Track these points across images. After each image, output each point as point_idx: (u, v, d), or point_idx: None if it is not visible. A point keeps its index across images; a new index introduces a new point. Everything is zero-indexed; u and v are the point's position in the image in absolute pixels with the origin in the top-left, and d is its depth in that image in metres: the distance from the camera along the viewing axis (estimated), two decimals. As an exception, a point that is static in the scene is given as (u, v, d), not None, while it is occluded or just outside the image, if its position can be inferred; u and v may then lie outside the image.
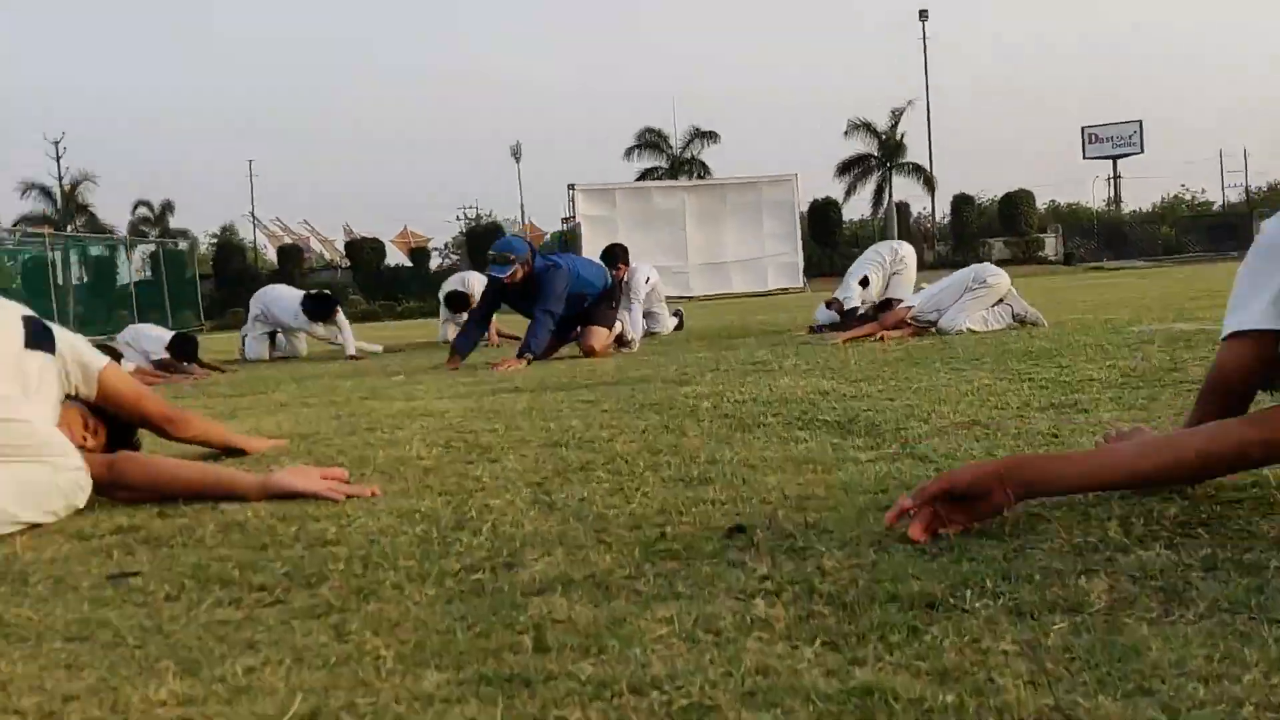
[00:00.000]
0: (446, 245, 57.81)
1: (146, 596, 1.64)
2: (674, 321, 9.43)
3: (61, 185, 48.89)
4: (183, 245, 41.98)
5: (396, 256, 48.81)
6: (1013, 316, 6.19)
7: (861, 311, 7.39)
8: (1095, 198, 58.84)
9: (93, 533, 2.12)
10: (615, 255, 8.97)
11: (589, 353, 6.60)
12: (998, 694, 1.06)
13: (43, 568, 1.86)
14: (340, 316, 9.34)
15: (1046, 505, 1.80)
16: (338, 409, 3.98)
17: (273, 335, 9.58)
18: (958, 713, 1.03)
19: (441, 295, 10.62)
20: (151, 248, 39.59)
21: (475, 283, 10.03)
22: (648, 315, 9.22)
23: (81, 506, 2.30)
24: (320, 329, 9.18)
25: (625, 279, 9.36)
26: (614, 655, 1.24)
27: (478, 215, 65.40)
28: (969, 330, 6.06)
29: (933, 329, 6.22)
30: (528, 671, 1.20)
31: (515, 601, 1.48)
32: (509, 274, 6.66)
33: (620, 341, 6.93)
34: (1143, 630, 1.21)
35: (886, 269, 7.90)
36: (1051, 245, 45.44)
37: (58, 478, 2.23)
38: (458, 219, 65.71)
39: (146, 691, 1.21)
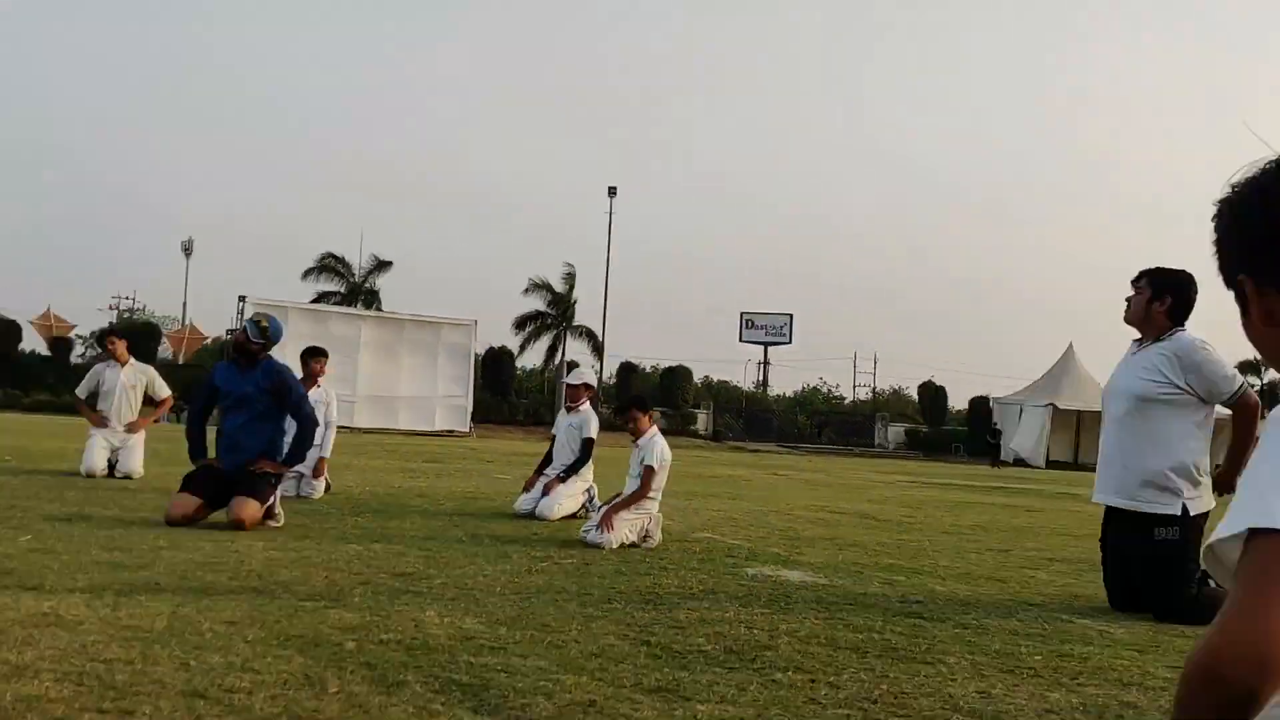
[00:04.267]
0: (92, 334, 53.88)
1: None
2: (323, 485, 9.41)
3: None
4: None
5: (34, 341, 44.90)
6: (641, 532, 6.75)
7: None
8: (746, 379, 63.54)
9: None
10: (315, 351, 9.33)
11: (237, 524, 6.52)
12: None
13: None
14: None
15: None
16: None
17: None
18: None
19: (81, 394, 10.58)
20: None
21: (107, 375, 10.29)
22: (300, 479, 9.14)
23: None
24: None
25: (327, 401, 9.48)
26: None
27: (132, 309, 61.48)
28: (611, 545, 6.54)
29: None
30: None
31: None
32: (259, 346, 7.10)
33: (268, 514, 6.89)
34: None
35: None
36: (703, 421, 48.49)
37: None
38: (110, 308, 61.53)
39: None
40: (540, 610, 4.34)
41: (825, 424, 53.00)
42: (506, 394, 45.98)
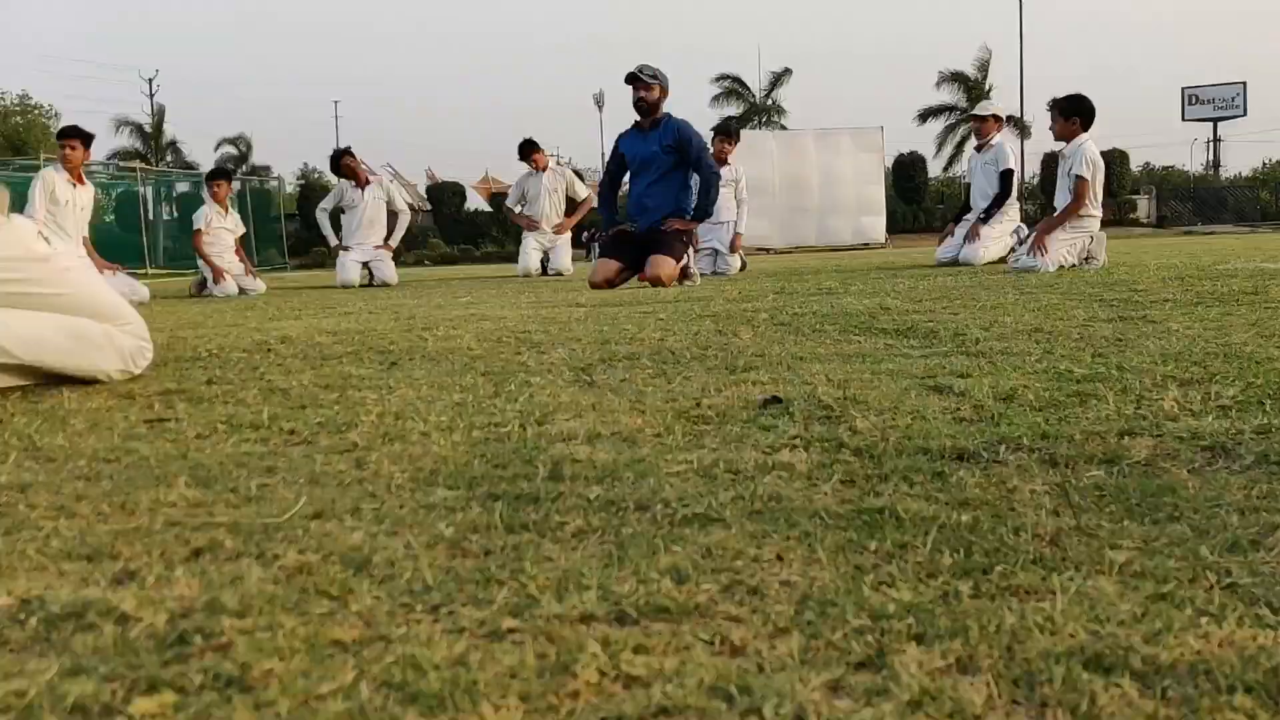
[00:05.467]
0: (527, 191, 58.08)
1: (178, 434, 1.66)
2: (739, 263, 9.31)
3: (155, 122, 49.97)
4: (270, 184, 42.52)
5: (476, 201, 49.11)
6: (1083, 253, 6.06)
7: None
8: (1193, 161, 56.77)
9: (139, 392, 2.15)
10: (729, 130, 9.16)
11: (654, 282, 6.57)
12: (1016, 517, 1.01)
13: (84, 414, 1.90)
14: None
15: (1100, 388, 1.72)
16: (399, 313, 4.01)
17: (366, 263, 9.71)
18: (971, 529, 0.98)
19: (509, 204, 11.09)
20: (238, 185, 40.18)
21: (530, 184, 10.68)
22: (716, 255, 9.12)
23: (137, 372, 2.33)
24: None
25: (736, 179, 9.37)
26: (626, 484, 1.22)
27: (557, 162, 65.55)
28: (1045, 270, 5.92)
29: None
30: (537, 492, 1.18)
31: (538, 446, 1.46)
32: (647, 90, 6.87)
33: (684, 274, 6.87)
34: (1181, 475, 1.15)
35: None
36: (1144, 207, 44.15)
37: (119, 340, 2.25)
38: (539, 163, 66.09)
39: (158, 495, 1.22)
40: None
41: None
42: (921, 201, 44.25)
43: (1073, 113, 6.19)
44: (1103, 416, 1.49)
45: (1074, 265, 5.98)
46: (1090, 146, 6.16)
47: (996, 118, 8.00)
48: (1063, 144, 6.27)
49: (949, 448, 1.33)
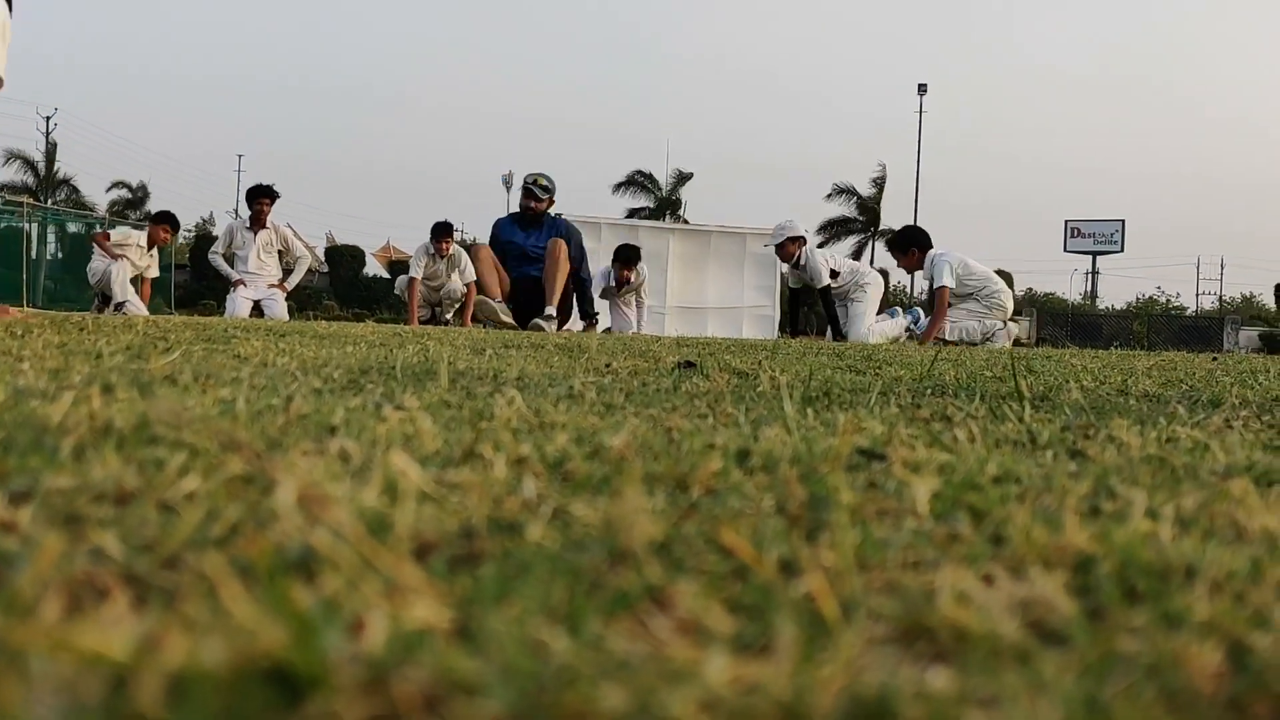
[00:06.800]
0: (427, 264, 57.57)
1: (41, 339, 1.52)
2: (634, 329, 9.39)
3: (49, 159, 48.51)
4: (161, 232, 41.33)
5: (375, 268, 48.67)
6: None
7: None
8: (1072, 291, 59.45)
9: None
10: (628, 258, 8.94)
11: (552, 254, 6.69)
12: (973, 382, 0.96)
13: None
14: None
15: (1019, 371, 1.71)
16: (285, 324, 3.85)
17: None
18: (914, 391, 0.92)
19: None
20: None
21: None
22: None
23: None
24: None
25: (635, 281, 9.25)
26: (546, 382, 1.13)
27: (461, 240, 65.49)
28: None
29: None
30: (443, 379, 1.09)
31: (439, 361, 1.37)
32: (538, 203, 7.06)
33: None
34: (1120, 400, 1.12)
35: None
36: (1024, 328, 45.89)
37: None
38: (442, 240, 65.80)
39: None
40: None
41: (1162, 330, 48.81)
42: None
43: (908, 245, 6.58)
44: (1030, 382, 1.46)
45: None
46: (945, 256, 6.42)
47: (793, 239, 7.69)
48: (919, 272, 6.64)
49: (877, 389, 1.28)
